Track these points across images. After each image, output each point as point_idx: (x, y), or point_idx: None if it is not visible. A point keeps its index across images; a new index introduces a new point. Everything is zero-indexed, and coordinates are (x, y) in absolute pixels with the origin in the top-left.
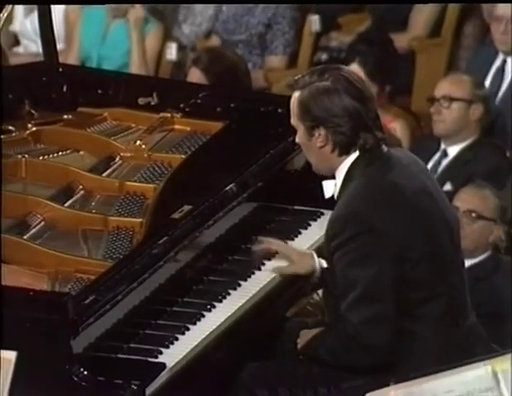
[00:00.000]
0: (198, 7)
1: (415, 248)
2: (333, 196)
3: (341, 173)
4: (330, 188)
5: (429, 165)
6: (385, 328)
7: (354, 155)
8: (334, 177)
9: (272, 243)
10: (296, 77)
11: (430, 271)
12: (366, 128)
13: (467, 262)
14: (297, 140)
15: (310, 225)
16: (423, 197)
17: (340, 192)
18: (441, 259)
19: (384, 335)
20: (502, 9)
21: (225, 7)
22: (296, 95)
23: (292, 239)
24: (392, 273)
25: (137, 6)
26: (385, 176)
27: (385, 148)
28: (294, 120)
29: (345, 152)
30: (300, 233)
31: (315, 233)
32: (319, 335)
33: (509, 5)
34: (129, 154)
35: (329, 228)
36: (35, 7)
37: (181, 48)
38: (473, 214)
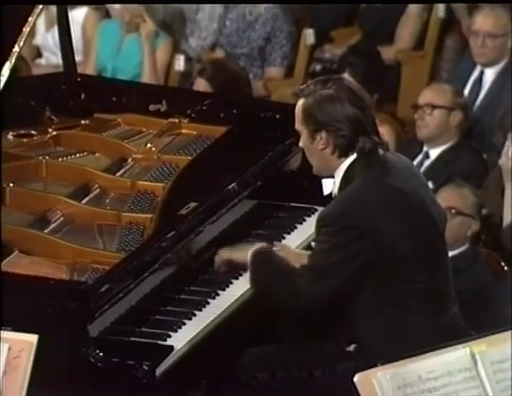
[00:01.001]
0: (204, 21)
1: (405, 244)
2: (328, 194)
3: (340, 173)
4: (329, 186)
5: None
6: (319, 301)
7: (352, 157)
8: (333, 177)
9: (275, 245)
10: (302, 87)
11: (419, 265)
12: (364, 132)
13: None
14: (301, 144)
15: (305, 220)
16: (414, 198)
17: (339, 191)
18: (429, 254)
19: (316, 304)
20: (479, 24)
21: (228, 22)
22: (300, 102)
23: (289, 233)
24: (356, 267)
25: (148, 21)
26: (381, 179)
27: (381, 152)
28: (298, 125)
29: (344, 154)
30: (296, 227)
31: (309, 227)
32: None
33: (486, 21)
34: (140, 156)
35: (320, 219)
36: (56, 21)
37: (188, 59)
38: (453, 211)
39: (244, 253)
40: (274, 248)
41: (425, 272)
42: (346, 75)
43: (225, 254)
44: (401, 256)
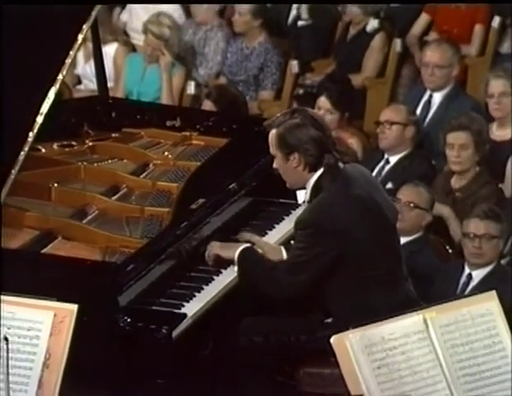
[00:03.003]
0: (210, 54)
1: (365, 240)
2: None
3: (310, 184)
4: (302, 196)
5: (376, 170)
6: (299, 290)
7: (320, 171)
8: (304, 188)
9: (253, 237)
10: (272, 119)
11: (377, 256)
12: (328, 150)
13: (405, 239)
14: (275, 165)
15: (291, 213)
16: (370, 202)
17: (310, 199)
18: (384, 246)
19: (292, 291)
20: (428, 57)
21: (229, 54)
22: (273, 132)
23: (278, 224)
24: (326, 261)
25: (166, 54)
26: (344, 190)
27: (341, 166)
28: (273, 150)
29: (314, 169)
30: (283, 219)
31: (294, 219)
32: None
33: (434, 54)
34: (159, 162)
35: (297, 222)
36: (92, 55)
37: (197, 85)
38: (411, 205)
39: (231, 251)
40: (258, 241)
41: (382, 260)
42: (323, 98)
43: (215, 249)
44: (363, 250)
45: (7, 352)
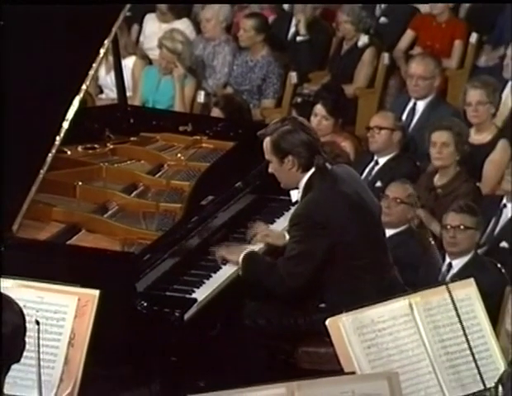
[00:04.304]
0: (218, 67)
1: (353, 232)
2: None
3: (302, 183)
4: (295, 195)
5: (367, 170)
6: (299, 281)
7: (311, 171)
8: (297, 188)
9: (261, 228)
10: (264, 130)
11: (364, 247)
12: (317, 152)
13: (392, 231)
14: (270, 170)
15: (290, 209)
16: (356, 198)
17: (302, 196)
18: (370, 238)
19: (293, 283)
20: (413, 70)
21: (235, 67)
22: (267, 140)
23: (278, 218)
24: (320, 252)
25: (179, 66)
26: (332, 188)
27: (329, 166)
28: (268, 156)
29: (306, 169)
30: (283, 213)
31: None
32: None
33: (418, 67)
34: (172, 163)
35: (291, 218)
36: (113, 67)
37: (207, 94)
38: (398, 200)
39: (236, 255)
40: (265, 228)
41: (369, 250)
42: (319, 106)
43: (222, 253)
44: (351, 241)
45: (38, 333)
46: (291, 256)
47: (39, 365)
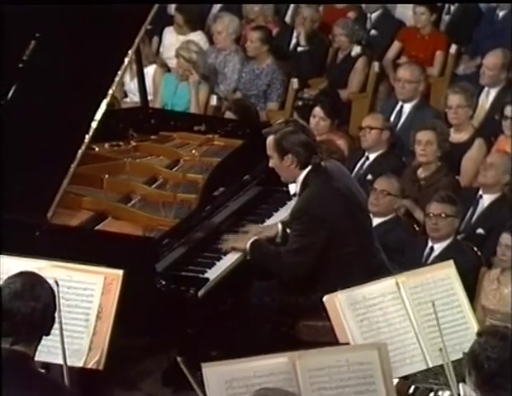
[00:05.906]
0: (229, 74)
1: (345, 223)
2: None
3: (300, 179)
4: (293, 189)
5: (358, 165)
6: (301, 269)
7: (308, 168)
8: (295, 182)
9: (254, 228)
10: (269, 129)
11: (353, 235)
12: (314, 152)
13: (381, 220)
14: (271, 165)
15: (292, 199)
16: (346, 192)
17: (300, 191)
18: (359, 227)
19: (297, 272)
20: (400, 74)
21: (244, 74)
22: (271, 138)
23: (282, 206)
24: (319, 243)
25: (194, 73)
26: (326, 183)
27: (323, 164)
28: (270, 152)
29: (303, 167)
30: (286, 203)
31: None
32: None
33: (405, 72)
34: (188, 158)
35: (292, 212)
36: (136, 74)
37: (219, 98)
38: (385, 192)
39: (243, 243)
40: (257, 227)
41: (358, 239)
42: (318, 108)
43: (230, 242)
44: (343, 231)
45: (58, 294)
46: (294, 249)
47: (60, 326)
